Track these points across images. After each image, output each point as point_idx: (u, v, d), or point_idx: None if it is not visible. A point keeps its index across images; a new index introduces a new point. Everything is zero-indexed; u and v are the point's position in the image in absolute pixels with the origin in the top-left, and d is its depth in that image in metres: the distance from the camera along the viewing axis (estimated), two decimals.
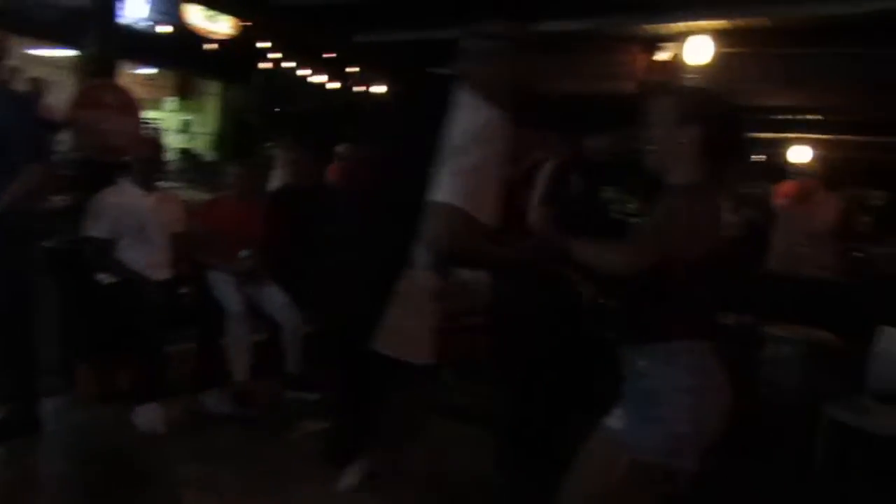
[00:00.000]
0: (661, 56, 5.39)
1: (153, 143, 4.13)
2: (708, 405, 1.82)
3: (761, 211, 6.95)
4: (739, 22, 5.19)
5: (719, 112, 1.86)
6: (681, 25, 5.19)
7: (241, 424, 3.62)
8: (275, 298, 3.90)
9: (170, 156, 10.13)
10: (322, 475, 2.65)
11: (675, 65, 5.30)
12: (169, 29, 10.72)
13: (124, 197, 3.71)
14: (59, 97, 8.96)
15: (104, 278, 3.61)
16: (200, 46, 11.02)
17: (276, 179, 5.28)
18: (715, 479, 3.33)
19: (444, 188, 1.89)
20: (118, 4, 4.13)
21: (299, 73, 8.43)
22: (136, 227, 3.68)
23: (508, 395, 3.14)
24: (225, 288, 3.79)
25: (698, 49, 4.89)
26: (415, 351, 1.97)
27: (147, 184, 3.76)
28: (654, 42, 5.44)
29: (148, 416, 3.44)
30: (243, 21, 9.71)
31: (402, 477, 2.14)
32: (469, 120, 1.93)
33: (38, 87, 6.57)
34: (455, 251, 1.95)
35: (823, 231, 5.13)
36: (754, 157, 9.81)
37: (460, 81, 2.02)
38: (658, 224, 1.80)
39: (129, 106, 3.98)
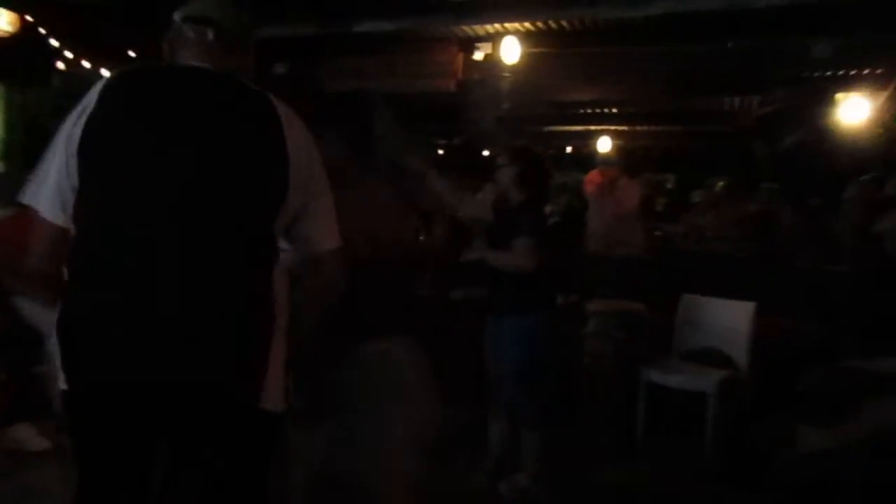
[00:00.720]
0: (477, 56, 5.66)
1: None
2: None
3: (576, 198, 7.54)
4: (542, 24, 5.57)
5: None
6: (492, 27, 5.48)
7: (65, 459, 3.31)
8: None
9: None
10: None
11: (491, 64, 5.58)
12: None
13: None
14: None
15: None
16: None
17: None
18: (553, 443, 3.63)
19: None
20: None
21: (101, 72, 7.81)
22: None
23: None
24: (37, 310, 3.46)
25: (510, 49, 5.18)
26: None
27: None
28: (470, 42, 5.70)
29: (24, 434, 3.10)
30: (26, 16, 8.82)
31: None
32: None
33: None
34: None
35: (629, 213, 5.67)
36: (566, 149, 10.60)
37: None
38: None
39: None
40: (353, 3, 5.26)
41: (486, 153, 7.51)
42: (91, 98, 1.47)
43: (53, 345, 1.46)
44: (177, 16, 1.64)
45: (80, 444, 1.50)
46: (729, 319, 3.90)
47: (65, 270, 1.46)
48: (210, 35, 1.59)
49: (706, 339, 3.94)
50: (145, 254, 1.40)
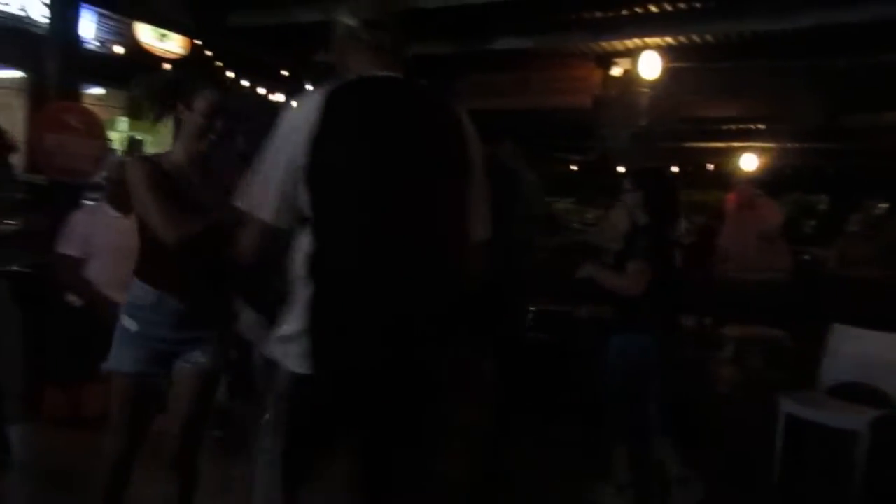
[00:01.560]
0: (615, 71, 5.60)
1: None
2: None
3: (714, 218, 7.22)
4: (684, 39, 5.44)
5: None
6: (631, 42, 5.41)
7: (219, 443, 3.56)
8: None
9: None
10: None
11: (629, 79, 5.51)
12: (120, 49, 10.62)
13: (97, 217, 3.68)
14: (8, 119, 8.79)
15: (74, 300, 3.56)
16: (152, 66, 10.93)
17: None
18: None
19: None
20: (77, 26, 4.10)
21: (258, 91, 8.44)
22: (110, 248, 3.64)
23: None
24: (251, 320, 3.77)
25: (650, 64, 5.09)
26: None
27: (122, 205, 3.72)
28: (608, 58, 5.65)
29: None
30: (195, 40, 9.69)
31: None
32: None
33: None
34: None
35: (771, 234, 5.35)
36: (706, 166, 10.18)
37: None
38: None
39: (94, 128, 3.95)
40: (492, 22, 5.38)
41: (620, 169, 7.38)
42: (309, 113, 1.53)
43: (284, 337, 1.60)
44: (348, 18, 1.67)
45: (304, 420, 1.62)
46: (885, 354, 3.60)
47: (296, 268, 1.58)
48: (389, 42, 1.66)
49: (857, 373, 3.65)
50: (389, 255, 1.54)
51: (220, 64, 8.65)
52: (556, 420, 3.82)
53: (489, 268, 1.75)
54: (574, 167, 9.08)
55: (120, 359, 2.13)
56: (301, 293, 1.57)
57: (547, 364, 3.98)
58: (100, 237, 3.62)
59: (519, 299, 3.43)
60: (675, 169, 8.49)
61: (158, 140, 13.32)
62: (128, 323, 2.13)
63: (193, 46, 10.80)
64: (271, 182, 1.56)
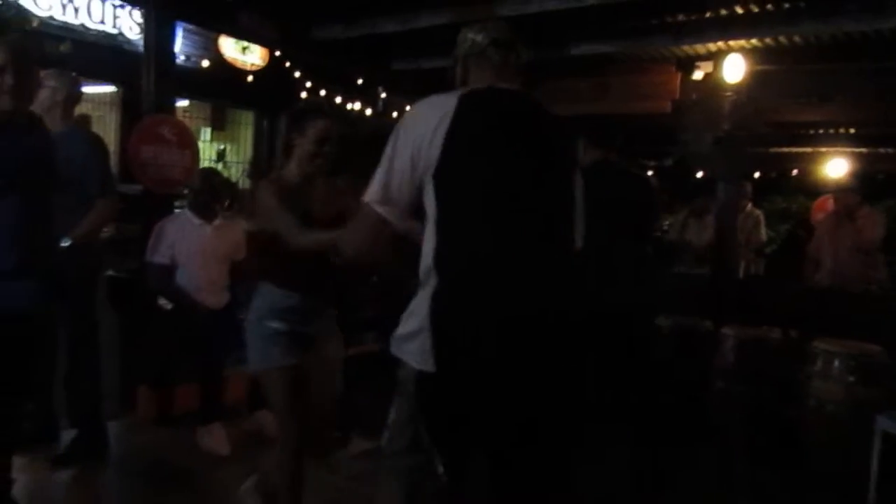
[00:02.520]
0: (697, 75, 5.47)
1: (210, 172, 4.28)
2: None
3: (801, 226, 6.93)
4: (770, 40, 5.26)
5: None
6: (714, 46, 5.27)
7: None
8: None
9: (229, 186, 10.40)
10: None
11: (711, 83, 5.36)
12: (205, 62, 11.07)
13: (182, 225, 3.86)
14: (101, 131, 9.28)
15: (165, 304, 3.74)
16: (234, 78, 11.34)
17: None
18: (769, 491, 3.38)
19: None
20: (172, 43, 4.30)
21: (335, 100, 8.64)
22: (194, 254, 3.81)
23: None
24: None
25: (733, 67, 4.93)
26: None
27: (205, 212, 3.89)
28: (690, 61, 5.52)
29: (211, 438, 3.54)
30: (275, 52, 10.00)
31: None
32: None
33: (86, 123, 6.79)
34: None
35: (870, 245, 5.08)
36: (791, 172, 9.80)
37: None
38: None
39: (185, 139, 4.13)
40: (570, 27, 5.34)
41: (699, 175, 7.19)
42: (443, 113, 1.61)
43: (407, 335, 1.64)
44: (479, 37, 1.80)
45: (428, 419, 1.64)
46: None
47: (422, 266, 1.64)
48: (513, 60, 1.79)
49: None
50: (513, 255, 1.61)
51: (298, 74, 8.91)
52: None
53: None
54: (651, 172, 8.90)
55: (272, 357, 2.37)
56: (425, 290, 1.62)
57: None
58: (186, 244, 3.79)
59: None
60: (757, 175, 8.21)
61: (239, 150, 13.82)
62: (275, 325, 2.36)
63: (272, 58, 11.17)
64: (393, 177, 1.64)
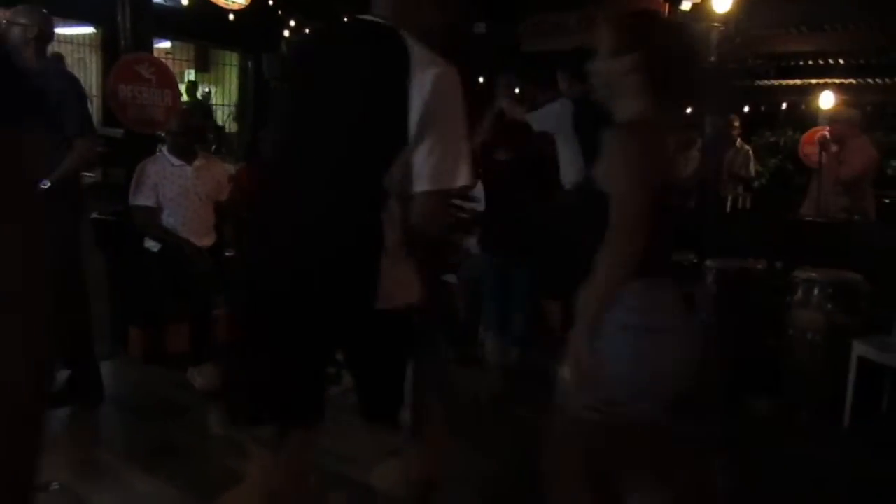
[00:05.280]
0: (685, 5, 5.36)
1: (187, 113, 4.23)
2: (654, 346, 1.62)
3: (789, 160, 6.92)
4: None
5: (661, 40, 1.68)
6: None
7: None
8: None
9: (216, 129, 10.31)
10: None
11: (699, 14, 5.27)
12: (185, 1, 10.77)
13: (163, 166, 3.84)
14: (83, 74, 9.10)
15: (152, 246, 3.75)
16: (217, 17, 11.06)
17: None
18: (751, 416, 3.48)
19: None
20: None
21: None
22: (177, 195, 3.80)
23: None
24: None
25: None
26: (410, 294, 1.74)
27: (185, 153, 3.87)
28: None
29: (203, 377, 3.61)
30: None
31: None
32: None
33: (61, 62, 6.65)
34: None
35: (858, 177, 5.07)
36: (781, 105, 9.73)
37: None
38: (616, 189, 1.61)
39: (165, 79, 4.07)
40: None
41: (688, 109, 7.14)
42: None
43: None
44: None
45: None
46: None
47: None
48: None
49: None
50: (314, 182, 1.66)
51: (280, 12, 8.69)
52: None
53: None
54: None
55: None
56: None
57: None
58: (168, 185, 3.78)
59: None
60: (746, 109, 8.15)
61: (224, 92, 13.58)
62: None
63: None
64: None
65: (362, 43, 1.70)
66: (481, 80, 10.43)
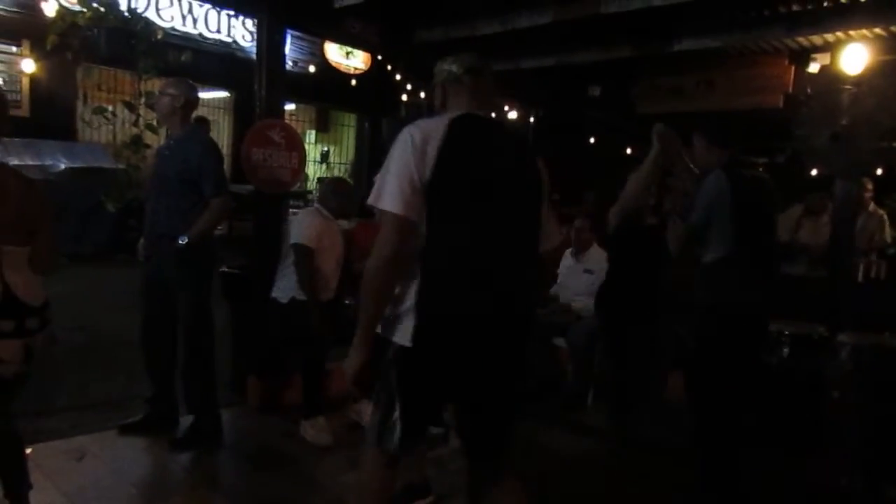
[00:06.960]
0: (813, 68, 5.17)
1: (349, 185, 4.50)
2: None
3: None
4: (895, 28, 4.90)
5: None
6: (832, 36, 4.97)
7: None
8: None
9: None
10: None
11: (828, 76, 5.06)
12: (311, 68, 11.49)
13: (321, 218, 3.90)
14: (215, 134, 9.82)
15: (280, 297, 3.84)
16: (339, 81, 11.72)
17: None
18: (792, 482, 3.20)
19: None
20: (283, 50, 4.48)
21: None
22: (327, 247, 3.86)
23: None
24: None
25: (854, 58, 4.63)
26: None
27: (338, 213, 4.00)
28: (805, 53, 5.23)
29: (314, 430, 3.68)
30: (377, 56, 10.24)
31: None
32: None
33: (204, 124, 7.24)
34: None
35: None
36: None
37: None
38: None
39: (293, 142, 4.31)
40: (674, 23, 5.18)
41: (813, 172, 6.81)
42: (438, 132, 1.90)
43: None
44: (453, 67, 2.11)
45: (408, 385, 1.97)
46: None
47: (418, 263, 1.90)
48: (483, 84, 2.11)
49: None
50: (487, 258, 1.94)
51: (399, 77, 9.09)
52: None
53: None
54: (760, 170, 8.49)
55: None
56: (411, 284, 1.90)
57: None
58: (326, 235, 3.86)
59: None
60: (879, 171, 7.67)
61: (341, 151, 14.23)
62: None
63: (374, 61, 11.45)
64: (405, 186, 1.86)
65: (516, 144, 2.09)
66: (592, 140, 10.43)
